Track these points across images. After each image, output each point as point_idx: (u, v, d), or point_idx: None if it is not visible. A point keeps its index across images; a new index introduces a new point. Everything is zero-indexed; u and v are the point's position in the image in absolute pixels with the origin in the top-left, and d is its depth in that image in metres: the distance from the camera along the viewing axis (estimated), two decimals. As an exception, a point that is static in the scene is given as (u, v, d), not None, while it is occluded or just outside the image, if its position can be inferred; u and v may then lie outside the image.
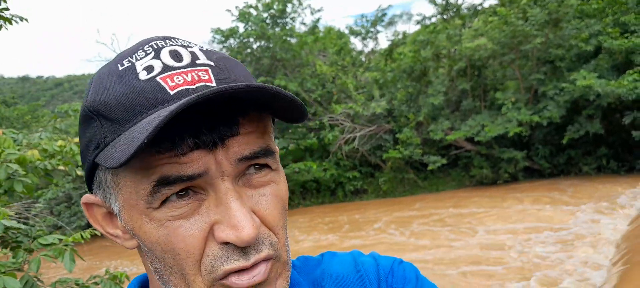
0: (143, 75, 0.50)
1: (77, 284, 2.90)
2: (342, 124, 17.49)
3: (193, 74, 0.50)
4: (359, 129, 17.23)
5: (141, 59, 0.51)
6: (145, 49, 0.52)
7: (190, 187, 0.49)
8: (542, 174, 15.62)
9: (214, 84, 0.50)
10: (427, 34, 17.18)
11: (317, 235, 11.96)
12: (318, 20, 20.46)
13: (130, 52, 0.53)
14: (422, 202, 14.42)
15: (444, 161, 15.90)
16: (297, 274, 0.69)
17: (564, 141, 14.70)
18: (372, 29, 21.62)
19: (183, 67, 0.51)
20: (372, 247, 9.63)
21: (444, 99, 16.50)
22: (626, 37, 14.31)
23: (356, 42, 26.51)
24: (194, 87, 0.49)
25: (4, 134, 2.78)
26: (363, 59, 21.41)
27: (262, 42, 19.26)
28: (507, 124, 14.73)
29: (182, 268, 0.50)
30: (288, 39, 18.97)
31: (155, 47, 0.52)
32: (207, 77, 0.51)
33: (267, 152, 0.53)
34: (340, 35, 21.13)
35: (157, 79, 0.49)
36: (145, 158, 0.47)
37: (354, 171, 17.68)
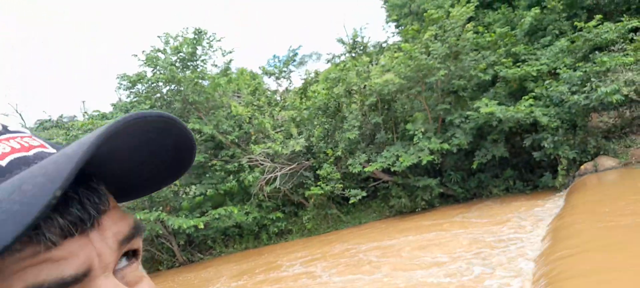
0: None
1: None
2: (262, 164, 17.31)
3: (18, 140, 0.39)
4: (280, 168, 17.15)
5: None
6: None
7: None
8: (456, 199, 16.38)
9: (51, 149, 0.40)
10: (337, 72, 17.67)
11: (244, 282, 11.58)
12: (230, 61, 20.36)
13: None
14: (346, 237, 14.50)
15: (364, 193, 16.21)
16: None
17: (474, 166, 15.59)
18: (285, 69, 21.88)
19: None
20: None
21: (359, 132, 16.93)
22: (518, 66, 15.62)
23: (270, 82, 26.64)
24: (30, 154, 0.38)
25: None
26: (278, 98, 21.52)
27: (173, 86, 18.76)
28: (420, 153, 15.37)
29: None
30: (200, 81, 18.63)
31: None
32: (38, 142, 0.40)
33: (140, 226, 0.45)
34: (253, 76, 21.15)
35: None
36: None
37: (277, 212, 17.48)
